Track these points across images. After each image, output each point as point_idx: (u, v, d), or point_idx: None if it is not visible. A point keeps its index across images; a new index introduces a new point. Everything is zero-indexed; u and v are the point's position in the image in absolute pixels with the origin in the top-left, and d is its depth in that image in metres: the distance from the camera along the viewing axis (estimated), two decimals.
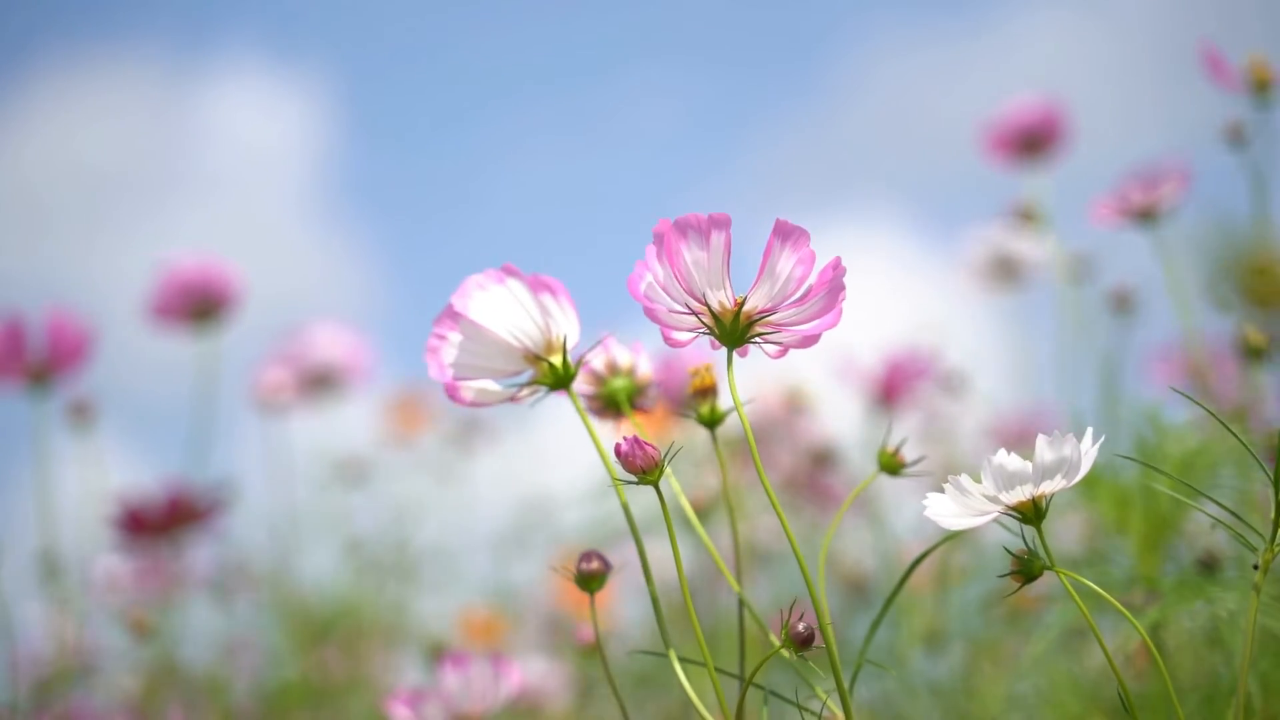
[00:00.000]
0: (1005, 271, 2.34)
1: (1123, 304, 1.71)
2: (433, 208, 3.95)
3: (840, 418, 2.24)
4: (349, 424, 2.71)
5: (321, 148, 4.10)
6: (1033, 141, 2.03)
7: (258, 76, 4.19)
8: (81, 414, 1.89)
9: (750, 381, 2.17)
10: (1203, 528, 1.28)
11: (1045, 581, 0.91)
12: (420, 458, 2.69)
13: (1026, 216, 1.80)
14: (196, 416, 2.03)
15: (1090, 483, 1.28)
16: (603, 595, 0.96)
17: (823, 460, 2.08)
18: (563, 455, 2.58)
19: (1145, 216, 1.61)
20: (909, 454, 1.02)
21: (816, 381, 2.23)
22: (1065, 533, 1.61)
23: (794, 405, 2.19)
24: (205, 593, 2.12)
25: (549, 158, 4.14)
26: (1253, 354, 1.40)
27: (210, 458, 2.03)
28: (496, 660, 1.09)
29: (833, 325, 0.89)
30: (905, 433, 2.19)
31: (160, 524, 1.82)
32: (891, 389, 2.06)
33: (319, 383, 2.37)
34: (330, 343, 2.39)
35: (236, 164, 3.98)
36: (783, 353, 0.91)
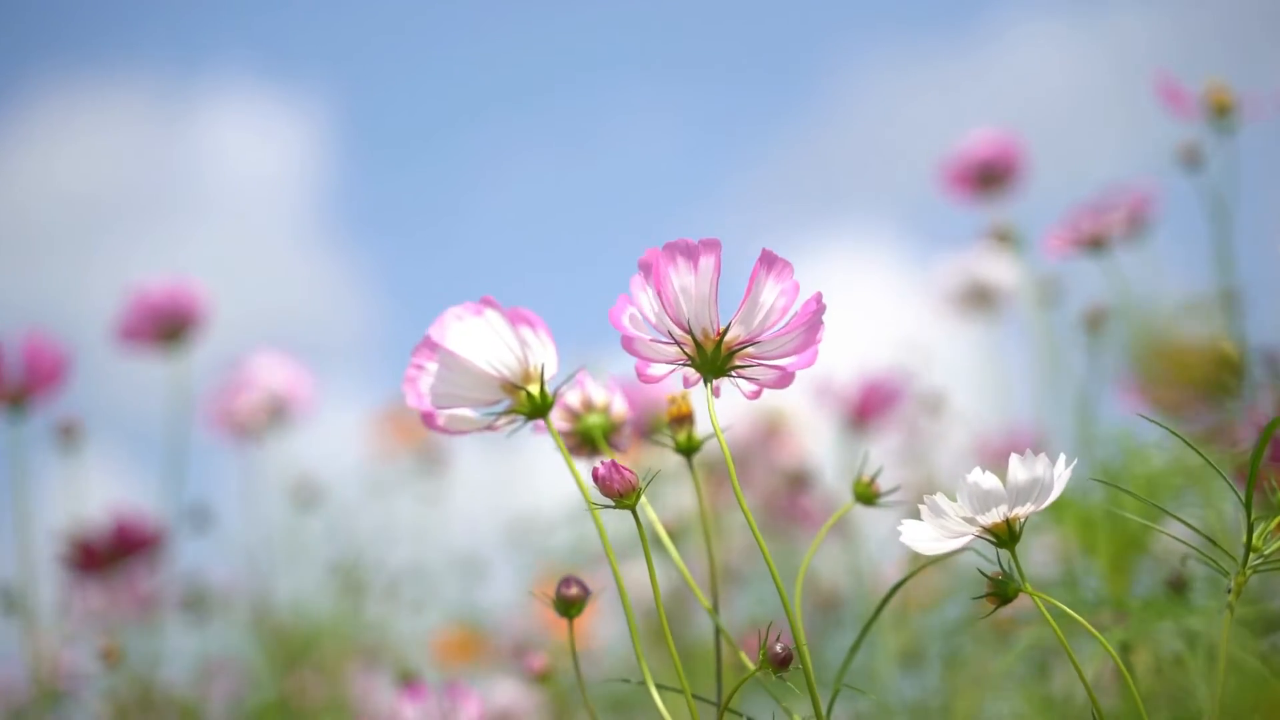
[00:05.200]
0: (979, 298, 2.34)
1: (1095, 325, 1.72)
2: (427, 228, 3.96)
3: (817, 440, 2.25)
4: (329, 444, 2.72)
5: (315, 170, 4.11)
6: (990, 176, 2.04)
7: (250, 100, 4.19)
8: (69, 435, 1.89)
9: (726, 406, 2.17)
10: (1170, 549, 1.29)
11: (1020, 603, 0.91)
12: (400, 477, 2.69)
13: (1002, 239, 1.82)
14: (169, 438, 2.03)
15: (1057, 505, 1.28)
16: (579, 616, 0.96)
17: (798, 482, 2.08)
18: (545, 477, 2.58)
19: (1095, 244, 1.62)
20: (885, 481, 1.02)
21: (794, 404, 2.24)
22: (1037, 554, 1.61)
23: (771, 428, 2.19)
24: (181, 616, 2.12)
25: (542, 177, 4.15)
26: (1226, 373, 1.41)
27: (187, 479, 2.02)
28: (454, 690, 1.09)
29: (809, 364, 0.90)
30: (883, 454, 2.21)
31: (109, 555, 1.82)
32: (867, 411, 2.07)
33: (268, 413, 2.36)
34: (272, 373, 2.37)
35: (230, 187, 3.98)
36: (757, 394, 0.92)
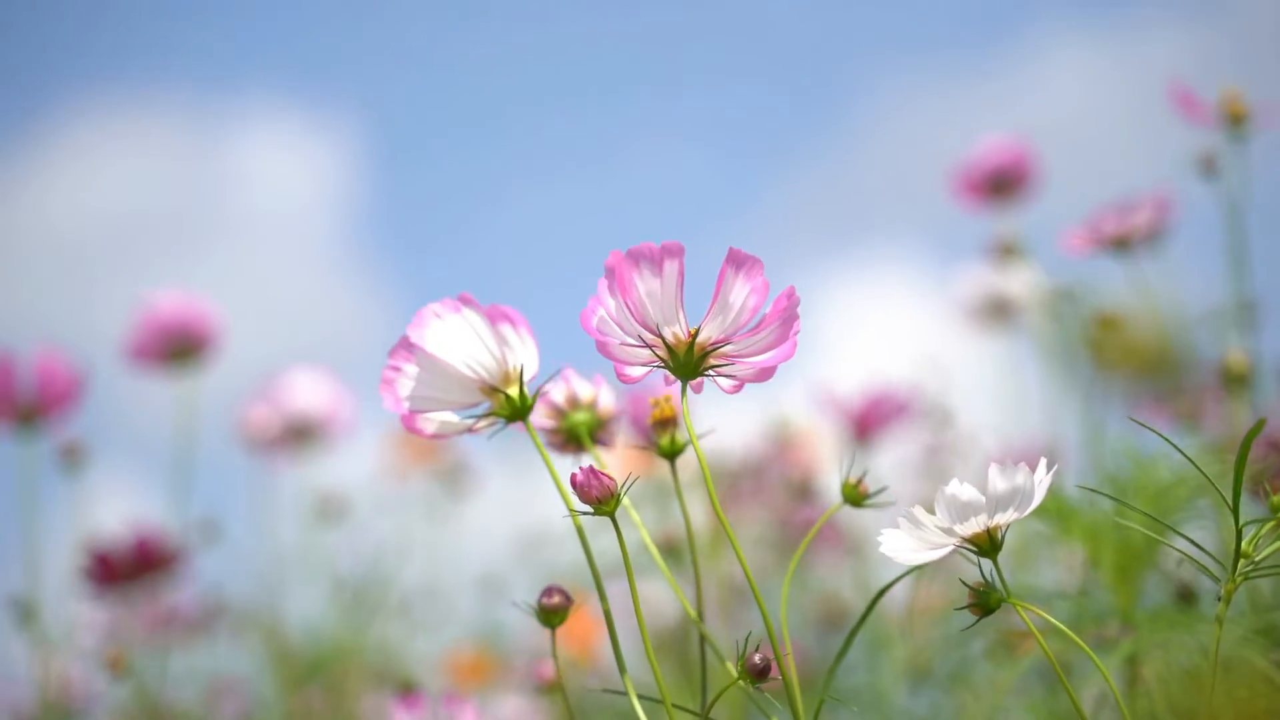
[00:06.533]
0: (997, 311, 2.33)
1: (1106, 332, 1.70)
2: (455, 247, 3.96)
3: (829, 454, 2.23)
4: (346, 462, 2.71)
5: (344, 190, 4.11)
6: (1002, 183, 2.02)
7: (280, 121, 4.21)
8: (72, 456, 1.88)
9: (737, 420, 2.17)
10: (1177, 559, 1.27)
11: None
12: (412, 496, 2.68)
13: (1007, 251, 1.80)
14: (177, 456, 2.03)
15: (1064, 517, 1.27)
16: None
17: (803, 495, 2.07)
18: (553, 493, 2.56)
19: (1119, 245, 1.61)
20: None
21: (807, 418, 2.22)
22: (1050, 568, 1.60)
23: (784, 441, 2.18)
24: (190, 634, 2.11)
25: (570, 196, 4.15)
26: (1233, 381, 1.39)
27: (196, 499, 2.02)
28: (451, 701, 1.08)
29: (787, 357, 0.88)
30: (896, 467, 2.20)
31: (129, 570, 1.81)
32: (869, 424, 2.05)
33: (297, 432, 2.33)
34: (308, 391, 2.34)
35: (259, 207, 3.99)
36: (738, 387, 0.90)
